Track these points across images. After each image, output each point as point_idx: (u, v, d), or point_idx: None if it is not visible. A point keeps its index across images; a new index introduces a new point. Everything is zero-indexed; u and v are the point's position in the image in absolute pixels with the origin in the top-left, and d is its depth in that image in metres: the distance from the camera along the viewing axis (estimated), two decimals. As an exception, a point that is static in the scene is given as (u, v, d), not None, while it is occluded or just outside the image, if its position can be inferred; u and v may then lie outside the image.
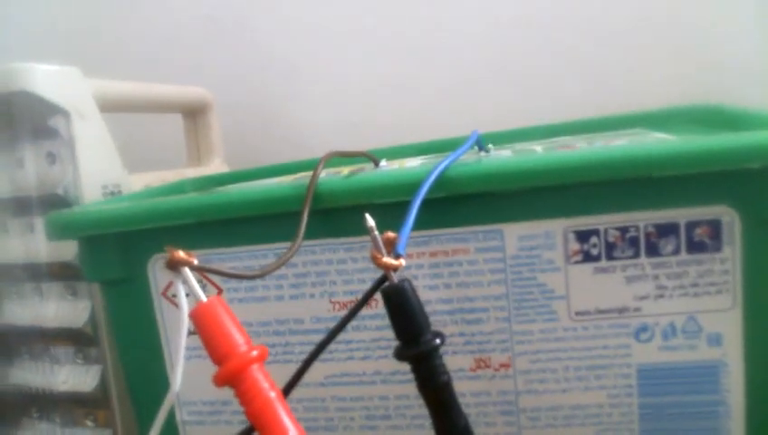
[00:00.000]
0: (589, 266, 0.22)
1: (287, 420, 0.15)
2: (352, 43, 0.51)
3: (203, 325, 0.16)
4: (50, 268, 0.34)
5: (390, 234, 0.18)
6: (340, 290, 0.23)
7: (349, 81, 0.52)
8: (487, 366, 0.23)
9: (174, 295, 0.25)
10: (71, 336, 0.34)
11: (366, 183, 0.22)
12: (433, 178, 0.20)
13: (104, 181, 0.34)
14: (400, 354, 0.17)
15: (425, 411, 0.24)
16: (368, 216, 0.17)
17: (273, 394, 0.15)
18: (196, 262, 0.17)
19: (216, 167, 0.45)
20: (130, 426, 0.34)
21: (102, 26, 0.57)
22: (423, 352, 0.16)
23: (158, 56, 0.56)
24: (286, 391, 0.17)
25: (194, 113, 0.46)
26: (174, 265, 0.16)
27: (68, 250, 0.32)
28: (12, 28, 0.59)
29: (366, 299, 0.18)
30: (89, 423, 0.34)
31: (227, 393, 0.25)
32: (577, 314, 0.22)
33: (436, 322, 0.22)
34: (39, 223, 0.33)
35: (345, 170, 0.29)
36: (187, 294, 0.16)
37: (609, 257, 0.22)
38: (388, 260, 0.17)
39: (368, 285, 0.23)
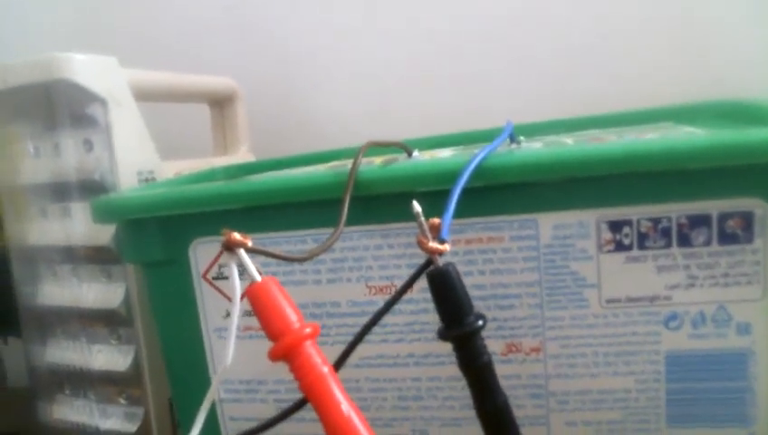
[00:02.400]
0: (621, 256, 0.22)
1: (339, 394, 0.16)
2: (374, 33, 0.52)
3: (259, 303, 0.17)
4: (86, 252, 0.35)
5: (435, 220, 0.18)
6: (376, 275, 0.24)
7: (370, 71, 0.52)
8: (518, 351, 0.24)
9: (214, 277, 0.26)
10: (105, 317, 0.35)
11: (406, 172, 0.22)
12: (472, 167, 0.21)
13: (139, 168, 0.35)
14: (444, 335, 0.17)
15: (456, 393, 0.25)
16: (415, 202, 0.18)
17: (325, 369, 0.16)
18: (250, 244, 0.17)
19: (242, 156, 0.46)
20: (161, 404, 0.35)
21: (124, 17, 0.58)
22: (467, 332, 0.17)
23: (181, 47, 0.57)
24: (335, 367, 0.18)
25: (221, 103, 0.47)
26: (230, 247, 0.17)
27: (104, 234, 0.33)
28: (43, 19, 0.60)
29: (412, 281, 0.18)
30: (122, 401, 0.36)
31: (263, 372, 0.26)
32: (608, 301, 0.23)
33: (470, 307, 0.23)
34: (76, 208, 0.34)
35: (378, 160, 0.30)
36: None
37: (641, 247, 0.22)
38: (434, 245, 0.17)
39: (403, 271, 0.24)
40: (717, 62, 0.44)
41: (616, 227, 0.22)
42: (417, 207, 0.18)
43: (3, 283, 0.45)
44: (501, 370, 0.24)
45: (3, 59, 0.34)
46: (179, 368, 0.27)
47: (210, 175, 0.37)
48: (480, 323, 0.17)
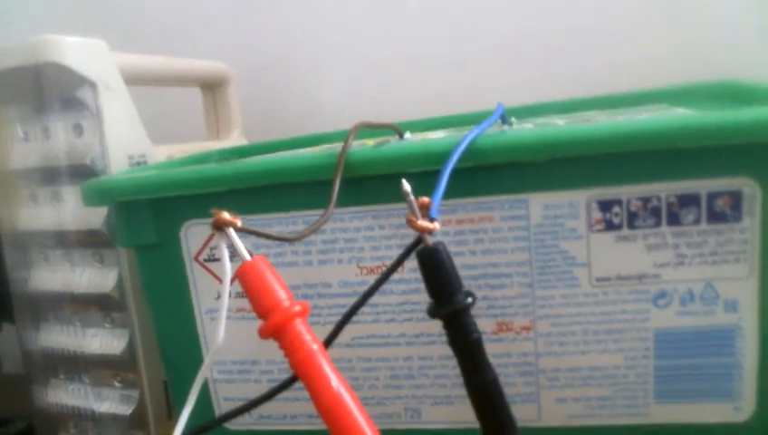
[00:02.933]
0: (610, 235, 0.22)
1: (329, 370, 0.16)
2: (371, 15, 0.51)
3: (249, 282, 0.17)
4: (78, 236, 0.34)
5: (425, 199, 0.18)
6: (367, 256, 0.24)
7: (366, 53, 0.52)
8: (509, 329, 0.24)
9: (206, 260, 0.26)
10: (99, 302, 0.35)
11: (396, 152, 0.22)
12: (462, 147, 0.21)
13: (130, 152, 0.35)
14: (434, 313, 0.18)
15: (447, 371, 0.25)
16: (404, 181, 0.18)
17: (315, 346, 0.16)
18: (239, 223, 0.17)
19: (235, 140, 0.46)
20: (156, 387, 0.35)
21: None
22: (456, 310, 0.17)
23: (176, 30, 0.56)
24: (326, 345, 0.18)
25: (212, 87, 0.46)
26: (219, 226, 0.17)
27: (96, 218, 0.33)
28: (34, 2, 0.60)
29: (402, 260, 0.18)
30: (116, 384, 0.36)
31: (256, 353, 0.26)
32: (597, 280, 0.23)
33: (461, 287, 0.23)
34: (67, 192, 0.34)
35: (370, 142, 0.30)
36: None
37: (631, 226, 0.22)
38: (423, 223, 0.18)
39: (394, 251, 0.24)
40: (714, 45, 0.44)
41: (606, 206, 0.22)
42: (406, 185, 0.18)
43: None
44: (491, 348, 0.24)
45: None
46: (172, 350, 0.28)
47: (203, 158, 0.37)
48: (469, 300, 0.18)
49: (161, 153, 0.38)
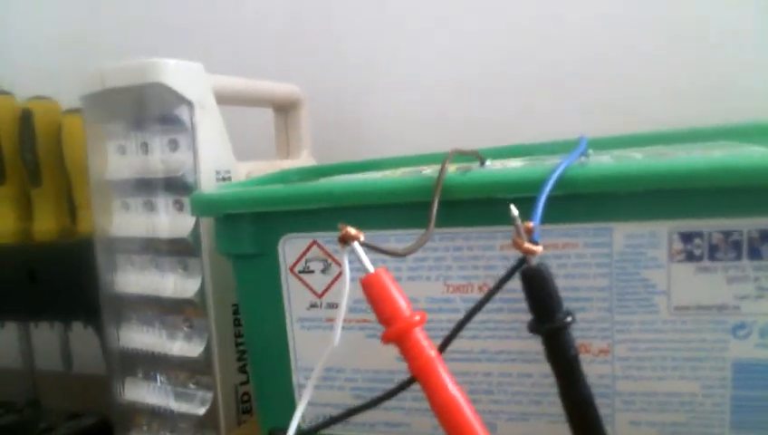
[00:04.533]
0: (691, 265, 0.24)
1: (446, 375, 0.18)
2: (433, 41, 0.54)
3: (373, 291, 0.18)
4: (166, 244, 0.37)
5: (529, 224, 0.20)
6: (454, 274, 0.26)
7: (427, 78, 0.54)
8: (587, 351, 0.25)
9: (300, 271, 0.28)
10: (180, 306, 0.37)
11: (492, 178, 0.24)
12: (556, 176, 0.22)
13: (218, 167, 0.37)
14: (536, 328, 0.19)
15: (524, 389, 0.26)
16: (512, 207, 0.19)
17: (433, 353, 0.18)
18: (362, 238, 0.19)
19: (304, 160, 0.48)
20: (228, 391, 0.37)
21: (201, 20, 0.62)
22: (558, 327, 0.19)
23: (242, 50, 0.60)
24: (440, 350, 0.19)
25: (286, 109, 0.49)
26: (345, 240, 0.19)
27: (183, 228, 0.36)
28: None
29: (507, 278, 0.20)
30: (191, 386, 0.38)
31: (342, 362, 0.28)
32: (676, 308, 0.24)
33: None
34: (159, 202, 0.37)
35: (452, 168, 0.31)
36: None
37: (712, 258, 0.23)
38: (529, 245, 0.19)
39: (480, 272, 0.25)
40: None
41: (687, 238, 0.24)
42: (514, 211, 0.19)
43: (71, 272, 0.48)
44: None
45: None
46: (261, 353, 0.29)
47: (282, 177, 0.39)
48: (569, 318, 0.19)
49: (241, 169, 0.40)
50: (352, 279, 0.19)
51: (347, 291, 0.19)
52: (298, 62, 0.58)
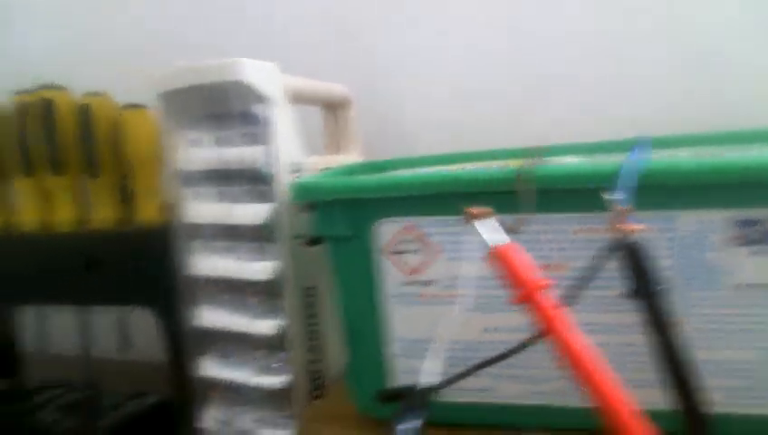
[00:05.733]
0: (749, 249, 0.27)
1: (573, 329, 0.21)
2: (467, 44, 0.57)
3: (507, 259, 0.22)
4: (244, 230, 0.40)
5: (622, 208, 0.23)
6: (547, 254, 0.29)
7: (462, 80, 0.57)
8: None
9: (393, 252, 0.31)
10: (257, 288, 0.40)
11: (573, 171, 0.27)
12: (635, 169, 0.26)
13: (291, 160, 0.40)
14: (639, 293, 0.22)
15: (622, 359, 0.29)
16: (608, 195, 0.23)
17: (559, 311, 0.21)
18: (491, 217, 0.22)
19: (354, 156, 0.51)
20: (301, 369, 0.40)
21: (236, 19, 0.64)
22: (658, 291, 0.22)
23: (288, 53, 0.62)
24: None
25: (335, 107, 0.52)
26: (470, 218, 0.22)
27: (260, 215, 0.38)
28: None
29: (610, 253, 0.23)
30: (266, 363, 0.40)
31: (431, 334, 0.31)
32: (737, 286, 0.28)
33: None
34: (238, 192, 0.40)
35: (512, 163, 0.35)
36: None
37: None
38: (630, 225, 0.22)
39: (569, 253, 0.29)
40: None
41: (746, 225, 0.27)
42: (610, 196, 0.23)
43: (128, 259, 0.50)
44: (644, 340, 0.29)
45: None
46: (356, 327, 0.32)
47: (350, 170, 0.42)
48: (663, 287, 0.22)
49: (307, 164, 0.43)
50: (457, 258, 0.22)
51: (476, 263, 0.22)
52: (340, 62, 0.61)
